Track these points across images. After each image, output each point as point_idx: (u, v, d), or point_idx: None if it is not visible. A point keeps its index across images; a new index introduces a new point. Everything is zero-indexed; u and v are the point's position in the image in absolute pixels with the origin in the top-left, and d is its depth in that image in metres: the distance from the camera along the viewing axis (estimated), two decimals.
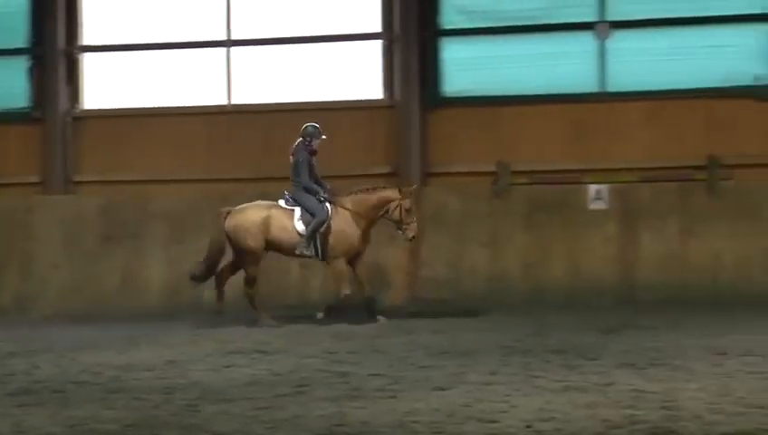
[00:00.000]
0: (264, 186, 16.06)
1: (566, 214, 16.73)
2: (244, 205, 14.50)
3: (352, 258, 14.41)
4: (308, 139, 14.27)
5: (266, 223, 14.33)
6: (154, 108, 17.98)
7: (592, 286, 16.45)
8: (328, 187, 14.40)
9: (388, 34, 17.33)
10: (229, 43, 17.96)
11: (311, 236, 14.24)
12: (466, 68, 17.30)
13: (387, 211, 14.34)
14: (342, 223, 14.32)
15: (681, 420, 8.11)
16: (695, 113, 16.37)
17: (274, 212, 14.41)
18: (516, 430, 8.03)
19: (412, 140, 17.16)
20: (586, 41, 16.93)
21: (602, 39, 16.83)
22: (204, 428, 7.74)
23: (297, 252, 14.34)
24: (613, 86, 16.86)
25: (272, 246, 14.40)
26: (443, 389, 9.64)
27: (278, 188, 14.65)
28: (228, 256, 14.54)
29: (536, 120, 17.07)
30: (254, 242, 14.32)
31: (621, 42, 16.87)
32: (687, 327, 13.54)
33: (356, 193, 14.42)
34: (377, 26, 17.51)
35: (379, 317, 14.17)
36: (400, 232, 14.45)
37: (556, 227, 16.77)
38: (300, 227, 14.29)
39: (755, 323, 13.20)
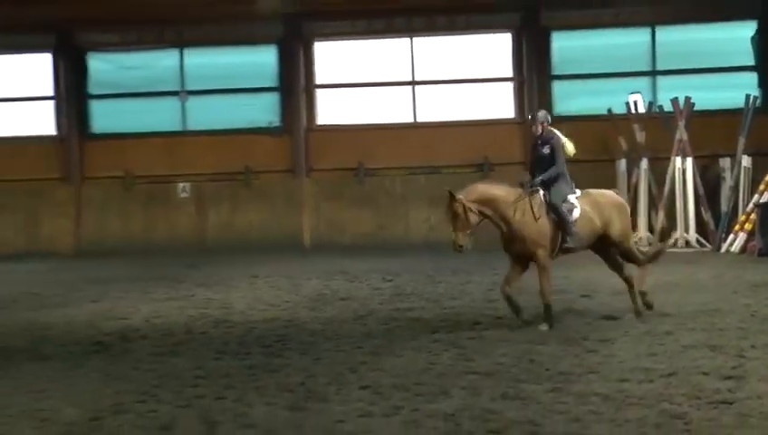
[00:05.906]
0: None
1: None
2: None
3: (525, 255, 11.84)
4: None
5: None
6: None
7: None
8: (540, 176, 11.79)
9: None
10: None
11: None
12: None
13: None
14: None
15: (233, 314, 11.52)
16: (235, 144, 24.88)
17: None
18: (140, 324, 10.92)
19: None
20: None
21: None
22: None
23: None
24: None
25: None
26: (95, 301, 13.17)
27: None
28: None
29: None
30: None
31: None
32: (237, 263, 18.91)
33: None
34: None
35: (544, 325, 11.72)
36: None
37: None
38: None
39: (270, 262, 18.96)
